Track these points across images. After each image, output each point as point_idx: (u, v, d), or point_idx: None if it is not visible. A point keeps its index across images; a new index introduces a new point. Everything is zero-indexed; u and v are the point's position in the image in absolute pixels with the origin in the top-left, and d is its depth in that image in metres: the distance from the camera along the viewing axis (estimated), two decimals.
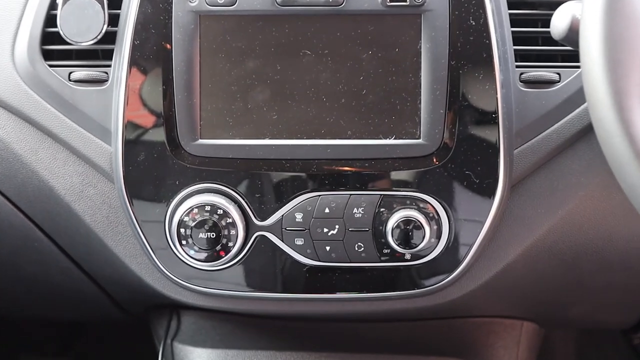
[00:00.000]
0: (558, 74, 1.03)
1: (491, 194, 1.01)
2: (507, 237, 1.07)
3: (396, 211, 1.01)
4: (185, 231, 1.00)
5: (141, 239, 1.04)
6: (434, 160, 1.01)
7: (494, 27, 0.99)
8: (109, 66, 1.04)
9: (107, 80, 1.03)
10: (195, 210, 0.99)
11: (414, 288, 1.05)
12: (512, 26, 1.03)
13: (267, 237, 1.03)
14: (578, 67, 1.01)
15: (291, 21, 0.99)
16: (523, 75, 1.03)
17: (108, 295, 1.28)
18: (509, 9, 1.03)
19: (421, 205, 1.01)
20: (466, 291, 1.10)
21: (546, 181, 1.05)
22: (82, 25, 1.01)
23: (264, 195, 1.02)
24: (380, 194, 1.01)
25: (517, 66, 1.03)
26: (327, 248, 1.02)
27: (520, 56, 1.06)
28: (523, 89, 1.02)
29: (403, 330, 1.23)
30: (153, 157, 1.01)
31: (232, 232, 1.00)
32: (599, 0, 0.75)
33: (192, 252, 1.01)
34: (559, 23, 0.90)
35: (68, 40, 1.04)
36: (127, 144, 1.01)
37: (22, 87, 1.04)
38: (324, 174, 1.01)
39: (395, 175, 1.01)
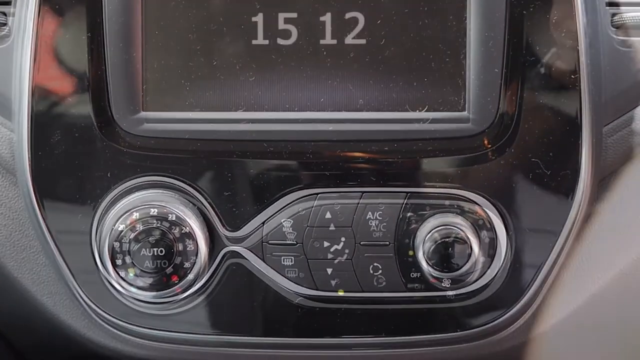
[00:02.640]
0: None
1: (569, 191, 1.00)
2: (593, 256, 1.05)
3: (429, 217, 1.00)
4: (121, 246, 0.99)
5: (56, 258, 1.02)
6: (486, 142, 1.00)
7: None
8: (8, 4, 1.03)
9: (5, 24, 1.03)
10: (136, 216, 0.99)
11: (457, 330, 1.04)
12: None
13: (240, 254, 1.02)
14: None
15: None
16: (616, 18, 1.02)
17: (5, 341, 1.23)
18: None
19: (466, 208, 1.00)
20: (534, 334, 1.08)
21: None
22: None
23: (236, 194, 1.01)
24: (407, 192, 1.01)
25: (609, 3, 1.03)
26: (329, 271, 1.02)
27: None
28: (617, 37, 1.02)
29: None
30: (74, 137, 1.00)
31: (190, 247, 0.99)
32: None
33: (131, 277, 0.99)
34: None
35: None
36: (37, 120, 1.00)
37: None
38: (324, 163, 1.00)
39: (429, 164, 1.00)
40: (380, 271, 1.01)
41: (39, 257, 1.08)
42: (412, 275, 1.01)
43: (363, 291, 1.03)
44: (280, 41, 0.99)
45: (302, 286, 1.03)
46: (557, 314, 1.08)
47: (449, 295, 1.03)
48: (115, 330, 1.09)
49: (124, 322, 1.06)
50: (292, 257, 1.02)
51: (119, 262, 1.00)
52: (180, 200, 1.00)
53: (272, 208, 1.01)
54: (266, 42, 1.00)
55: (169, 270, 1.00)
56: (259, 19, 0.99)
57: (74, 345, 1.14)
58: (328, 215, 1.00)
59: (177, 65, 1.00)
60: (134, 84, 1.00)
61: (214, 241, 1.02)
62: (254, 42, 1.00)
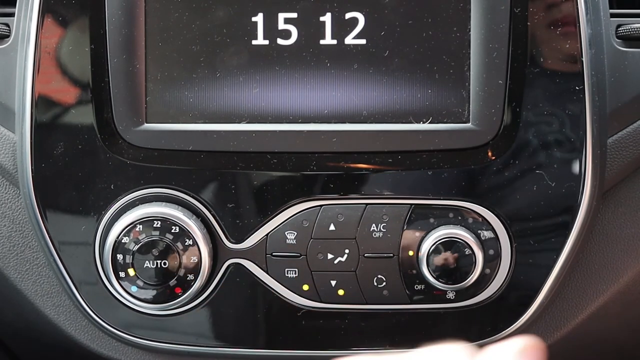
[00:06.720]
0: None
1: (574, 203, 1.00)
2: (597, 268, 1.06)
3: (434, 229, 1.01)
4: (124, 258, 1.00)
5: (59, 269, 1.04)
6: (490, 153, 1.00)
7: None
8: (11, 15, 1.05)
9: (8, 36, 1.04)
10: (139, 228, 1.00)
11: (461, 342, 1.07)
12: None
13: (244, 266, 1.03)
14: None
15: None
16: (622, 28, 1.03)
17: (8, 352, 1.25)
18: None
19: (470, 219, 1.01)
20: None
21: None
22: None
23: (239, 205, 1.02)
24: (411, 204, 1.01)
25: (613, 15, 1.03)
26: (333, 283, 1.02)
27: None
28: (621, 48, 1.03)
29: None
30: (77, 148, 1.01)
31: (193, 259, 1.00)
32: None
33: (134, 289, 1.01)
34: None
35: None
36: (39, 130, 1.01)
37: None
38: (327, 175, 1.01)
39: (432, 176, 1.01)
40: (384, 284, 1.02)
41: (43, 269, 1.08)
42: (417, 287, 1.02)
43: (367, 303, 1.03)
44: (280, 41, 0.99)
45: (306, 298, 1.03)
46: (560, 327, 1.08)
47: (453, 307, 1.03)
48: (118, 343, 1.09)
49: (127, 334, 1.06)
50: (296, 270, 1.02)
51: (122, 274, 1.00)
52: (183, 212, 1.01)
53: (275, 220, 1.02)
54: (266, 42, 0.99)
55: (173, 283, 1.00)
56: (258, 18, 0.99)
57: (77, 356, 1.14)
58: (332, 227, 1.01)
59: (179, 77, 1.00)
60: (137, 96, 1.00)
61: (217, 253, 1.02)
62: (254, 42, 0.99)
